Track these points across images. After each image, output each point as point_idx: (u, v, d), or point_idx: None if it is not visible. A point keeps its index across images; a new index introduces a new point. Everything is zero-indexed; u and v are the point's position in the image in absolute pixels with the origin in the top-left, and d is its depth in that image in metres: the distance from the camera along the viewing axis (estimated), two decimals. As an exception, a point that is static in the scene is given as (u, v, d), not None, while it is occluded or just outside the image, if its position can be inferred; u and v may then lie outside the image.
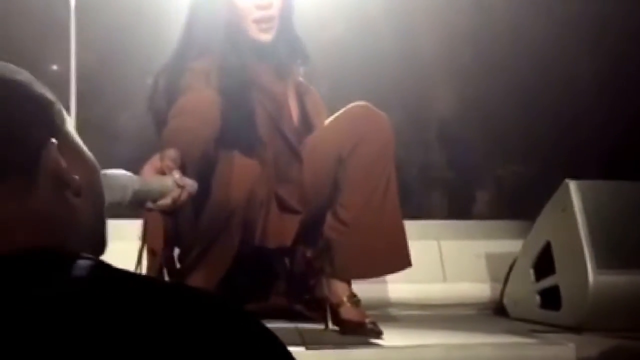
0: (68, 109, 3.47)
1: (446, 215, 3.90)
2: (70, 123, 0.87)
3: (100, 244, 0.88)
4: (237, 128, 2.47)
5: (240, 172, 2.44)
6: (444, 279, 3.28)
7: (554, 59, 4.04)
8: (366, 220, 2.52)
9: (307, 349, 2.30)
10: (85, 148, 0.87)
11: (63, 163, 0.81)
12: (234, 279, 2.55)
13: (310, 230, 2.63)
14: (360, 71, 3.99)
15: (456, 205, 4.10)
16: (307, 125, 2.69)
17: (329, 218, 2.57)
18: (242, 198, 2.42)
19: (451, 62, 4.19)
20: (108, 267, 0.77)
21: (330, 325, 2.60)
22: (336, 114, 2.62)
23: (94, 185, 0.86)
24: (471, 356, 2.32)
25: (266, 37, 2.58)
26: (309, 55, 2.74)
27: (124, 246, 3.14)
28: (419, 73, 4.14)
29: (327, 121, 2.64)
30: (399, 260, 2.57)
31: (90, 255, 0.78)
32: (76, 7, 3.46)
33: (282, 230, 2.55)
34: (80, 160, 0.85)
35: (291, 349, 2.27)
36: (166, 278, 2.55)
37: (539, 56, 4.03)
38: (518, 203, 3.97)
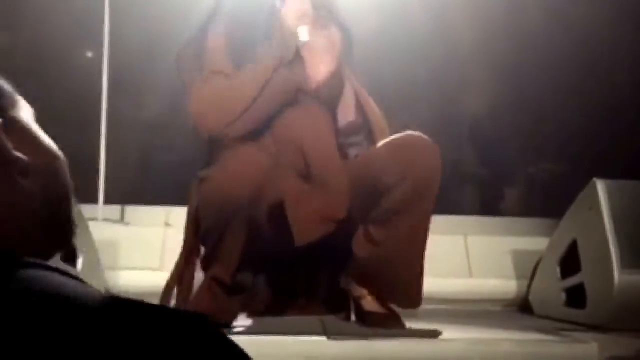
0: (100, 96, 3.56)
1: (474, 211, 3.89)
2: (27, 111, 0.84)
3: (58, 232, 0.81)
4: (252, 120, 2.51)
5: (246, 165, 2.43)
6: (470, 274, 3.28)
7: (589, 57, 4.01)
8: (393, 247, 2.51)
9: (329, 338, 2.31)
10: (43, 135, 0.83)
11: (7, 142, 0.77)
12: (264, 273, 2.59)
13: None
14: (394, 65, 3.98)
15: (485, 202, 4.08)
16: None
17: (359, 235, 2.56)
18: (246, 195, 2.39)
19: (486, 58, 4.16)
20: (48, 279, 0.67)
21: (353, 317, 2.62)
22: (391, 138, 2.60)
23: (50, 170, 0.82)
24: (493, 352, 2.31)
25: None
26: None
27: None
28: (453, 68, 4.12)
29: (381, 143, 2.61)
30: (411, 300, 2.57)
31: (32, 260, 0.70)
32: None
33: (307, 229, 2.50)
34: (34, 144, 0.81)
35: (313, 338, 2.30)
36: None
37: (574, 55, 4.00)
38: (546, 201, 3.95)
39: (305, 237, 2.45)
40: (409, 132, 2.58)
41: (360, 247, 2.56)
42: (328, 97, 2.63)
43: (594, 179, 2.80)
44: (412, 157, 2.51)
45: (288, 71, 2.54)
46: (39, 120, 0.85)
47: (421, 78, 4.06)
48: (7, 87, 0.83)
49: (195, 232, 2.57)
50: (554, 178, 4.08)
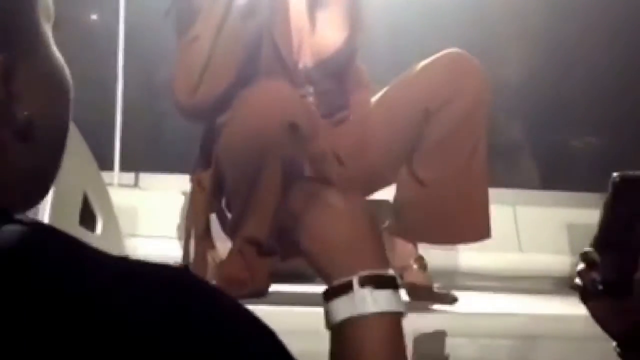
0: (115, 63, 3.37)
1: (524, 184, 3.65)
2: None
3: (40, 190, 0.70)
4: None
5: (274, 97, 2.13)
6: (520, 249, 3.02)
7: (628, 27, 3.79)
8: (447, 182, 2.25)
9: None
10: (58, 56, 0.68)
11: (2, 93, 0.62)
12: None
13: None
14: (422, 34, 3.78)
15: (537, 175, 3.86)
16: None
17: (404, 175, 2.32)
18: (278, 126, 2.09)
19: (522, 30, 4.00)
20: (44, 234, 0.60)
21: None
22: (428, 60, 2.32)
23: (54, 118, 0.68)
24: (562, 329, 2.05)
25: None
26: None
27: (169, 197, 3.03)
28: (489, 42, 3.91)
29: (419, 66, 2.34)
30: (478, 230, 2.31)
31: (23, 218, 0.62)
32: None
33: (333, 167, 2.29)
34: (44, 86, 0.67)
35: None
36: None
37: (616, 23, 3.77)
38: (602, 175, 3.73)
39: None
40: (447, 50, 2.31)
41: (405, 190, 2.30)
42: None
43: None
44: (454, 75, 2.24)
45: (242, 22, 2.21)
46: None
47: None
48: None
49: (215, 194, 2.28)
50: (609, 154, 3.86)
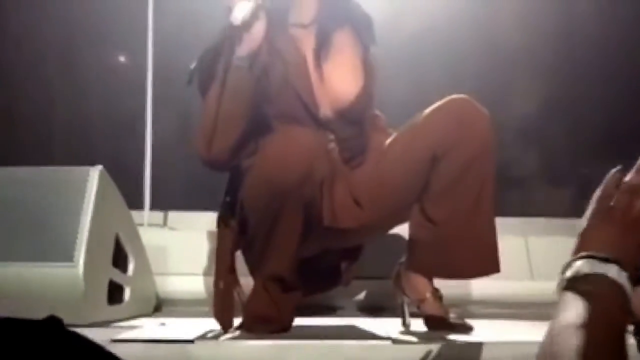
0: (144, 103, 3.49)
1: (534, 213, 3.74)
2: None
3: None
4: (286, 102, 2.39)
5: (296, 145, 2.26)
6: (532, 277, 3.13)
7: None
8: (456, 220, 2.37)
9: (394, 342, 2.19)
10: None
11: None
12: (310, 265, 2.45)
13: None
14: (439, 67, 3.88)
15: (545, 202, 3.95)
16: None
17: (415, 214, 2.44)
18: (299, 174, 2.21)
19: (533, 55, 4.06)
20: None
21: (408, 321, 2.49)
22: (435, 106, 2.44)
23: None
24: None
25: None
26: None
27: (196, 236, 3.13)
28: (500, 67, 4.01)
29: (426, 112, 2.45)
30: (487, 265, 2.43)
31: None
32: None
33: (352, 211, 2.41)
34: None
35: (379, 342, 2.11)
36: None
37: (624, 54, 3.87)
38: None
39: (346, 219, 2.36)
40: (451, 96, 2.43)
41: (417, 228, 2.42)
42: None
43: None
44: (459, 121, 2.36)
45: (244, 73, 2.33)
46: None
47: (467, 79, 3.94)
48: None
49: (240, 233, 2.40)
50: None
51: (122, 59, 4.11)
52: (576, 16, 4.03)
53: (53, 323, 0.65)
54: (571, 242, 3.42)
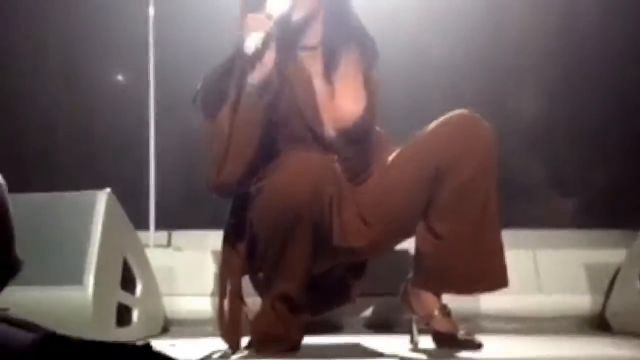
0: (147, 121, 3.49)
1: (541, 225, 3.73)
2: None
3: None
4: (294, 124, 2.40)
5: (304, 167, 2.28)
6: (540, 290, 3.12)
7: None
8: (462, 235, 2.37)
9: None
10: None
11: None
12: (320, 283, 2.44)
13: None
14: (440, 72, 3.88)
15: (552, 214, 3.94)
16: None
17: (421, 230, 2.44)
18: (309, 195, 2.24)
19: (537, 66, 4.05)
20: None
21: (417, 339, 2.48)
22: (438, 121, 2.45)
23: None
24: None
25: None
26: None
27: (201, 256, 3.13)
28: (504, 74, 4.00)
29: (429, 127, 2.46)
30: (495, 279, 2.43)
31: None
32: (155, 17, 3.43)
33: (360, 230, 2.40)
34: None
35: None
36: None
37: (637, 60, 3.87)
38: (619, 212, 3.79)
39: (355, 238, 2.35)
40: (454, 112, 2.43)
41: (423, 243, 2.42)
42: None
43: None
44: (462, 135, 2.37)
45: (256, 99, 2.34)
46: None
47: (469, 86, 3.93)
48: None
49: (248, 254, 2.40)
50: (625, 188, 3.92)
51: (120, 77, 4.12)
52: (582, 24, 4.03)
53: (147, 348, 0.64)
54: (579, 254, 3.43)
